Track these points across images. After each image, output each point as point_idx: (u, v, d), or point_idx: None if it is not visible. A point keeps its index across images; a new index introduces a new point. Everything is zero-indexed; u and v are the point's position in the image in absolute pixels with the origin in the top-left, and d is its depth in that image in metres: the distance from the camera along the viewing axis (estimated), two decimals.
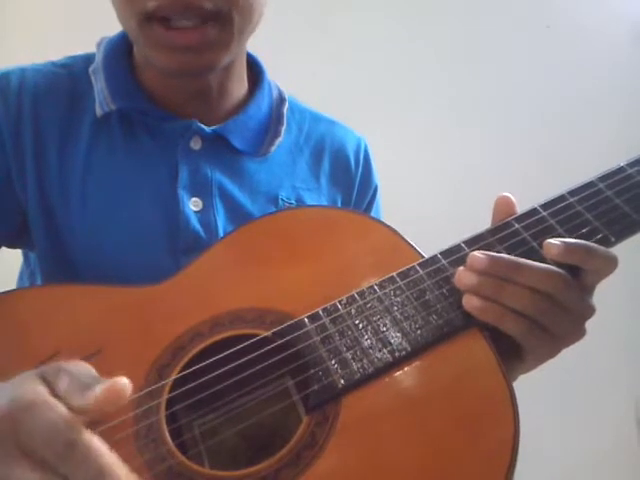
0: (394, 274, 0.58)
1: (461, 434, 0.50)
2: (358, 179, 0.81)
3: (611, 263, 0.54)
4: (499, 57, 1.90)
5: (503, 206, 0.60)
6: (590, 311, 0.55)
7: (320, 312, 0.56)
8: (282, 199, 0.74)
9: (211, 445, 0.54)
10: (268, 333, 0.56)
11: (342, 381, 0.52)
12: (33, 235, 0.68)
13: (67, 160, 0.68)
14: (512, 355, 0.56)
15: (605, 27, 2.01)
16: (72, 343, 0.56)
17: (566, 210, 0.59)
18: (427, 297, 0.56)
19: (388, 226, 0.63)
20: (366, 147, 0.84)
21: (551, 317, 0.53)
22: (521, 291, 0.53)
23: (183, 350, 0.56)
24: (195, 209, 0.69)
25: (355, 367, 0.53)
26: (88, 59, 0.73)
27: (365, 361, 0.53)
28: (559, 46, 1.95)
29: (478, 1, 1.91)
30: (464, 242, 0.59)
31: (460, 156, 1.83)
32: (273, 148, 0.74)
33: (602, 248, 0.54)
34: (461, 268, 0.55)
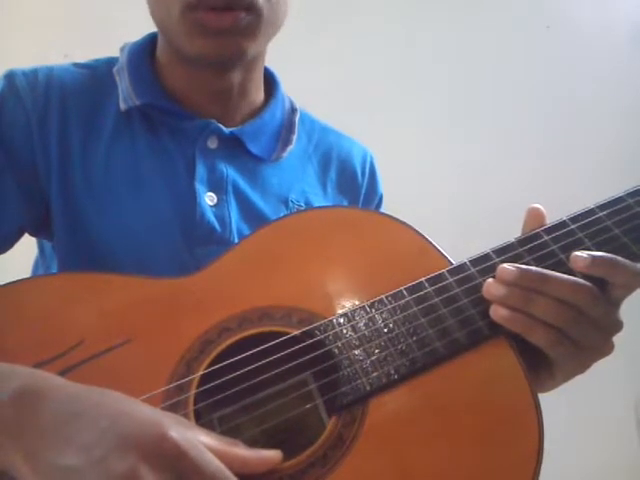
0: (423, 280, 0.58)
1: (485, 442, 0.51)
2: (364, 188, 0.84)
3: (638, 277, 0.55)
4: (499, 57, 1.90)
5: (533, 217, 0.61)
6: (618, 326, 0.56)
7: (349, 314, 0.57)
8: (292, 201, 0.77)
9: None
10: (298, 332, 0.56)
11: (371, 383, 0.53)
12: (53, 223, 0.70)
13: (90, 151, 0.71)
14: (542, 370, 0.57)
15: (605, 27, 2.01)
16: (97, 332, 0.56)
17: (595, 224, 0.59)
18: (456, 304, 0.56)
19: (415, 229, 0.62)
20: (372, 158, 0.87)
21: (579, 329, 0.54)
22: (549, 302, 0.53)
23: (212, 344, 0.56)
24: (210, 203, 0.71)
25: (384, 370, 0.54)
26: (110, 62, 0.77)
27: (394, 365, 0.54)
28: (559, 46, 1.95)
29: (478, 1, 1.91)
30: (493, 251, 0.59)
31: (459, 157, 1.82)
32: (284, 154, 0.78)
33: (629, 262, 0.55)
34: (490, 280, 0.56)
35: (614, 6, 2.05)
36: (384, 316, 0.56)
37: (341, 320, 0.56)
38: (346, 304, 0.58)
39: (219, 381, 0.54)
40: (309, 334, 0.56)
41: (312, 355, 0.55)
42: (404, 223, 0.63)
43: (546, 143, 1.91)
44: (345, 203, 0.82)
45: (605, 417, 1.82)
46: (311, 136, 0.83)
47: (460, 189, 1.81)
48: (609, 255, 0.55)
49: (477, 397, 0.53)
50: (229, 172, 0.73)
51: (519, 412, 0.52)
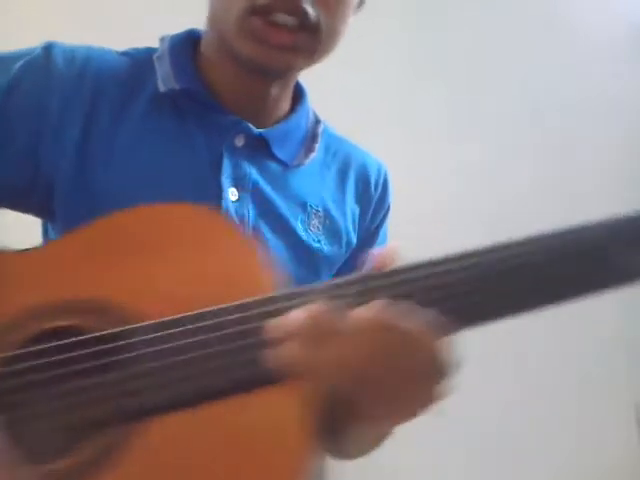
0: (232, 305, 0.54)
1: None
2: (375, 199, 0.86)
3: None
4: (499, 57, 1.90)
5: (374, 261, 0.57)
6: (429, 397, 0.52)
7: (154, 324, 0.54)
8: (310, 205, 0.78)
9: (25, 432, 0.53)
10: (99, 334, 0.54)
11: (148, 403, 0.52)
12: (59, 198, 0.69)
13: (118, 130, 0.71)
14: (347, 413, 0.54)
15: (605, 27, 2.02)
16: None
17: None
18: (253, 339, 0.52)
19: (253, 245, 0.60)
20: (386, 172, 0.89)
21: (365, 370, 0.50)
22: (332, 342, 0.50)
23: (18, 329, 0.55)
24: (233, 199, 0.73)
25: (167, 393, 0.52)
26: (149, 51, 0.78)
27: (176, 389, 0.52)
28: (559, 46, 1.95)
29: (478, 2, 1.92)
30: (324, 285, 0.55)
31: (459, 157, 1.82)
32: (307, 161, 0.80)
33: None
34: (273, 321, 0.52)
35: (614, 6, 2.05)
36: (179, 337, 0.53)
37: (144, 330, 0.53)
38: (162, 311, 0.54)
39: (12, 368, 0.52)
40: (111, 337, 0.53)
41: (105, 360, 0.53)
42: (247, 237, 0.61)
43: (546, 143, 1.91)
44: (358, 210, 0.83)
45: (605, 417, 1.82)
46: (329, 146, 0.85)
47: (460, 189, 1.81)
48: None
49: (244, 439, 0.51)
50: (252, 171, 0.75)
51: (278, 468, 0.50)
